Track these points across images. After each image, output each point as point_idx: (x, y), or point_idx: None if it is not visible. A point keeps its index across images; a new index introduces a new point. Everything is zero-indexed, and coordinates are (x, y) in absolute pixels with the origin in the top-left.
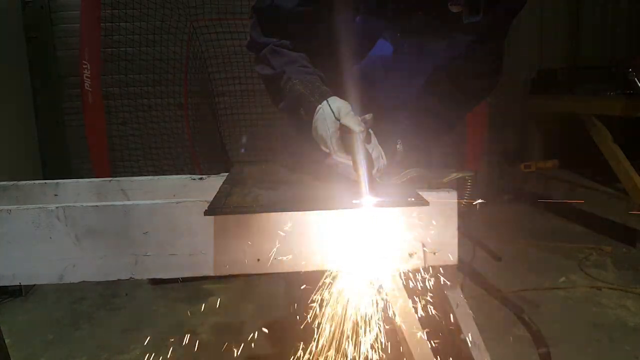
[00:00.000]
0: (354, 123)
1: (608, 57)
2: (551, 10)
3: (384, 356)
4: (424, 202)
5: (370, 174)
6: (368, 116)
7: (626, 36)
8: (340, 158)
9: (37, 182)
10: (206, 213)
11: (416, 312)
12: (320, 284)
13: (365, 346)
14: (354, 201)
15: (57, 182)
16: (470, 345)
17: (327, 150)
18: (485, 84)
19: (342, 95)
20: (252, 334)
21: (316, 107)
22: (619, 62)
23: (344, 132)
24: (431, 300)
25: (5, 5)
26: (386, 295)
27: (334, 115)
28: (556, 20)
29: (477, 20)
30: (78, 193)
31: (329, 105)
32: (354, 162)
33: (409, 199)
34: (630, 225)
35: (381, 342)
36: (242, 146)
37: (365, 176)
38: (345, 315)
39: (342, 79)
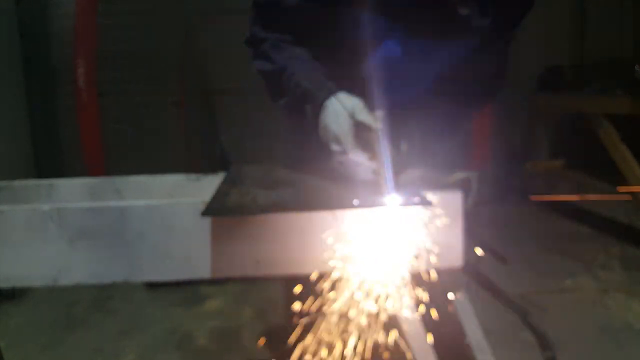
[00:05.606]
0: (372, 120)
1: (616, 54)
2: (557, 6)
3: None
4: (428, 203)
5: (397, 172)
6: (379, 113)
7: (633, 33)
8: (357, 157)
9: (30, 181)
10: (203, 214)
11: (420, 315)
12: (320, 286)
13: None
14: (354, 202)
15: (51, 182)
16: (475, 349)
17: (339, 149)
18: (492, 86)
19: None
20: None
21: (324, 104)
22: (626, 59)
23: (359, 130)
24: (435, 304)
25: None
26: (389, 298)
27: (347, 112)
28: (562, 17)
29: (486, 22)
30: (72, 193)
31: (340, 102)
32: (378, 160)
33: (413, 200)
34: (639, 227)
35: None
36: (220, 148)
37: (391, 174)
38: (344, 318)
39: (347, 78)
